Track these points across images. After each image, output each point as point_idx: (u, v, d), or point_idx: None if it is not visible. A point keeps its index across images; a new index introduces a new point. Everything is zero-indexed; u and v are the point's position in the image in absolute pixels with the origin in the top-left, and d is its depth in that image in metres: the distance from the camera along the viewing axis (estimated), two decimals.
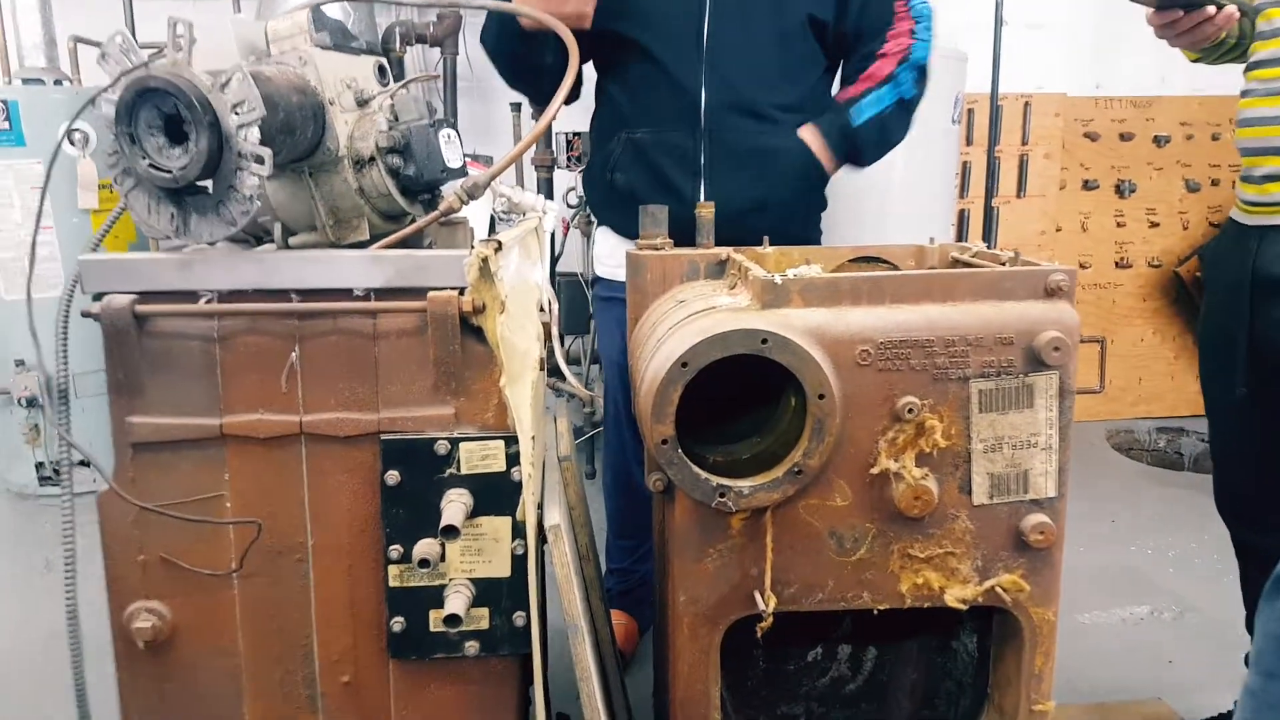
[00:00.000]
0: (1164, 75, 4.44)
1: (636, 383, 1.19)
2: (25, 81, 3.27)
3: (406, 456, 1.01)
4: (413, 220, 1.10)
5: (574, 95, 1.86)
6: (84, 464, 3.18)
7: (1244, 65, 1.66)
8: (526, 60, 1.71)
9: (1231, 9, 1.60)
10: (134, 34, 2.90)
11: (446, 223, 1.13)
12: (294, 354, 1.00)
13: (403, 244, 1.05)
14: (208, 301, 0.99)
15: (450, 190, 1.09)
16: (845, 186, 3.24)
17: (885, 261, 1.47)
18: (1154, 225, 4.50)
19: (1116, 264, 4.51)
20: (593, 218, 2.54)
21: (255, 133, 0.88)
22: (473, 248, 1.02)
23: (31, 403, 3.18)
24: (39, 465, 3.33)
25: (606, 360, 2.07)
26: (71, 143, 3.14)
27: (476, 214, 1.26)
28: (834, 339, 1.07)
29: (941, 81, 3.29)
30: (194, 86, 0.87)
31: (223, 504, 1.02)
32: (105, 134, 0.90)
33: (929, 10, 1.87)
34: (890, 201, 3.34)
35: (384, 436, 1.02)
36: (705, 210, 1.45)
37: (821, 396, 1.05)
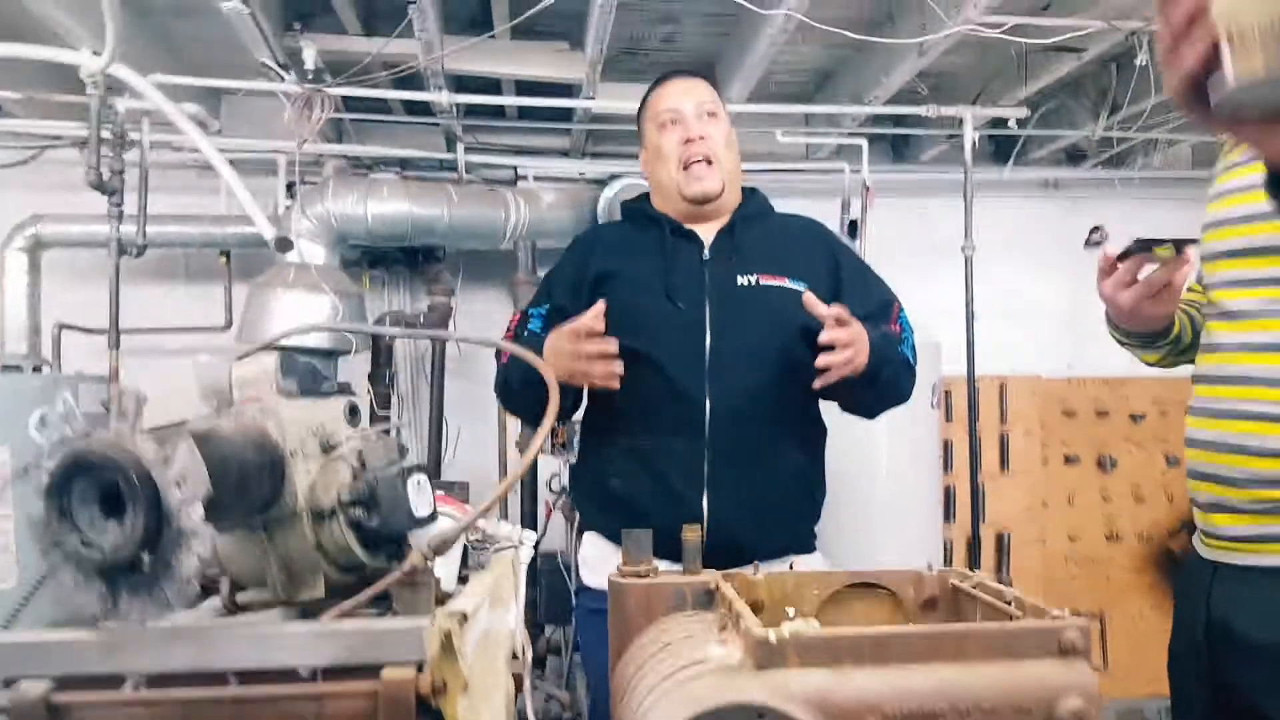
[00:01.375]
0: (1132, 358, 4.55)
1: None
2: (5, 368, 3.25)
3: None
4: (372, 573, 1.01)
5: (577, 400, 1.87)
6: None
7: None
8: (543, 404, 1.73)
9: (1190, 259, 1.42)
10: (117, 320, 2.88)
11: (408, 580, 1.04)
12: None
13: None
14: (135, 688, 0.87)
15: (418, 543, 1.00)
16: (835, 470, 3.22)
17: (883, 587, 1.37)
18: (1140, 500, 4.46)
19: (1107, 538, 4.44)
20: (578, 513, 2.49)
21: (199, 509, 0.80)
22: (434, 612, 0.92)
23: None
24: None
25: (594, 678, 1.92)
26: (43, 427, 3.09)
27: (446, 561, 1.16)
28: (840, 708, 0.95)
29: (920, 368, 3.34)
30: (135, 461, 0.79)
31: None
32: (36, 503, 0.82)
33: (909, 325, 1.94)
34: (878, 482, 3.31)
35: None
36: (691, 534, 1.37)
37: None
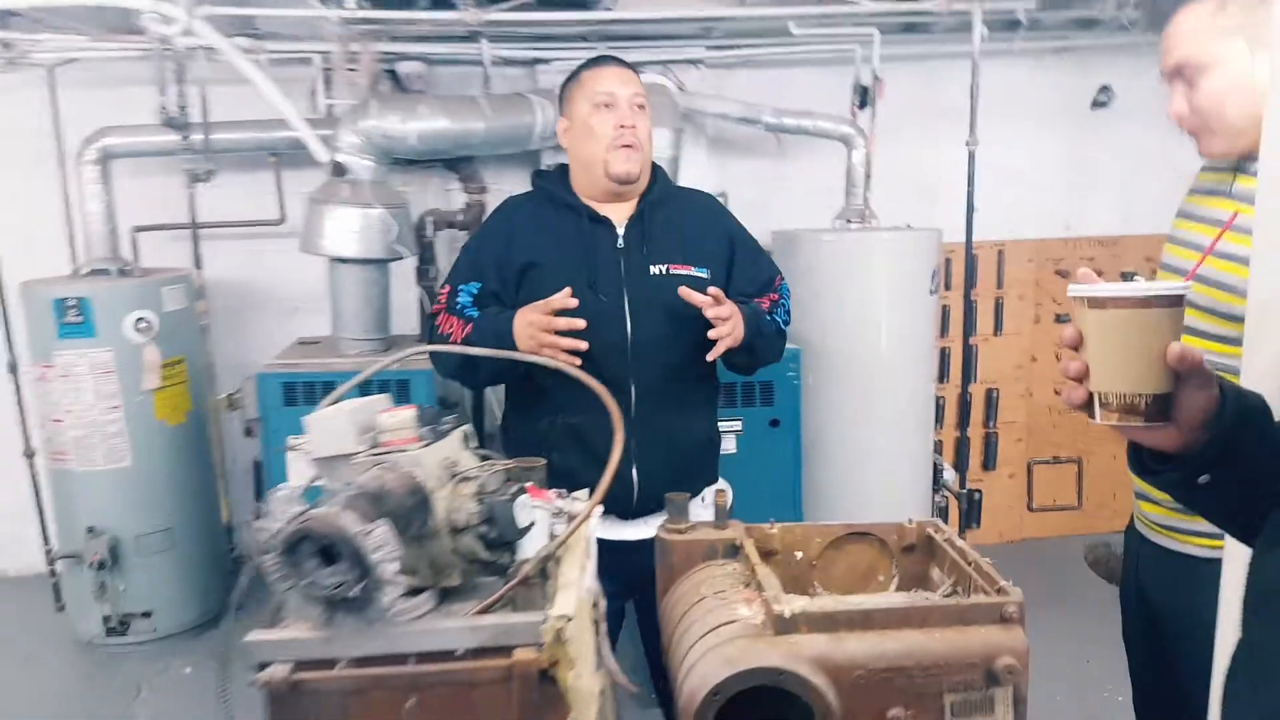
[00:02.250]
0: (1127, 216, 4.76)
1: (673, 674, 1.44)
2: (94, 272, 3.55)
3: None
4: (492, 567, 1.36)
5: (512, 375, 2.16)
6: (145, 615, 3.42)
7: None
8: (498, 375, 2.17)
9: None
10: (197, 242, 3.16)
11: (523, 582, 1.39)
12: (409, 702, 1.25)
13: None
14: (344, 668, 1.24)
15: (528, 554, 1.35)
16: (838, 342, 3.53)
17: (873, 535, 1.72)
18: None
19: None
20: None
21: (394, 566, 1.14)
22: (549, 608, 1.27)
23: (102, 565, 3.41)
24: (105, 618, 3.56)
25: None
26: (137, 331, 3.42)
27: (535, 535, 1.51)
28: (836, 665, 1.31)
29: (922, 257, 3.60)
30: (345, 535, 1.13)
31: None
32: (274, 567, 1.16)
33: (788, 292, 2.25)
34: (878, 357, 3.62)
35: None
36: (721, 498, 1.71)
37: (826, 716, 1.30)
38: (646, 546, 1.66)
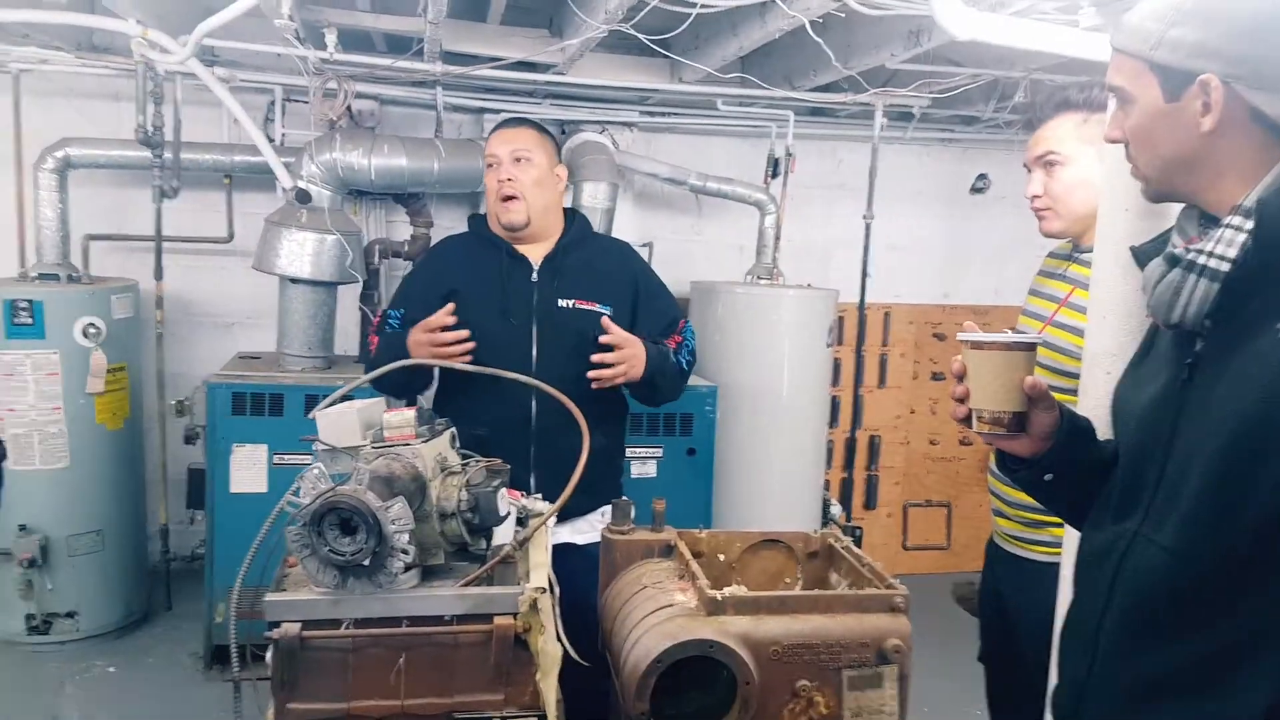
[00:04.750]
0: (998, 288, 5.22)
1: (617, 650, 1.63)
2: (42, 276, 3.57)
3: None
4: (472, 548, 1.55)
5: (426, 385, 2.38)
6: (70, 615, 3.41)
7: None
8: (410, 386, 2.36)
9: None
10: (160, 255, 3.23)
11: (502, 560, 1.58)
12: (401, 660, 1.42)
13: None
14: (346, 627, 1.40)
15: (506, 535, 1.54)
16: (746, 383, 3.79)
17: (782, 543, 1.96)
18: None
19: (960, 442, 5.18)
20: None
21: (405, 537, 1.32)
22: (523, 581, 1.46)
23: (31, 563, 3.39)
24: (29, 616, 3.53)
25: None
26: (85, 336, 3.45)
27: (505, 527, 1.70)
28: (756, 642, 1.54)
29: (821, 313, 3.92)
30: (368, 508, 1.30)
31: None
32: (297, 537, 1.32)
33: (693, 338, 2.45)
34: (780, 400, 3.91)
35: (455, 715, 1.43)
36: (659, 505, 1.93)
37: (747, 683, 1.52)
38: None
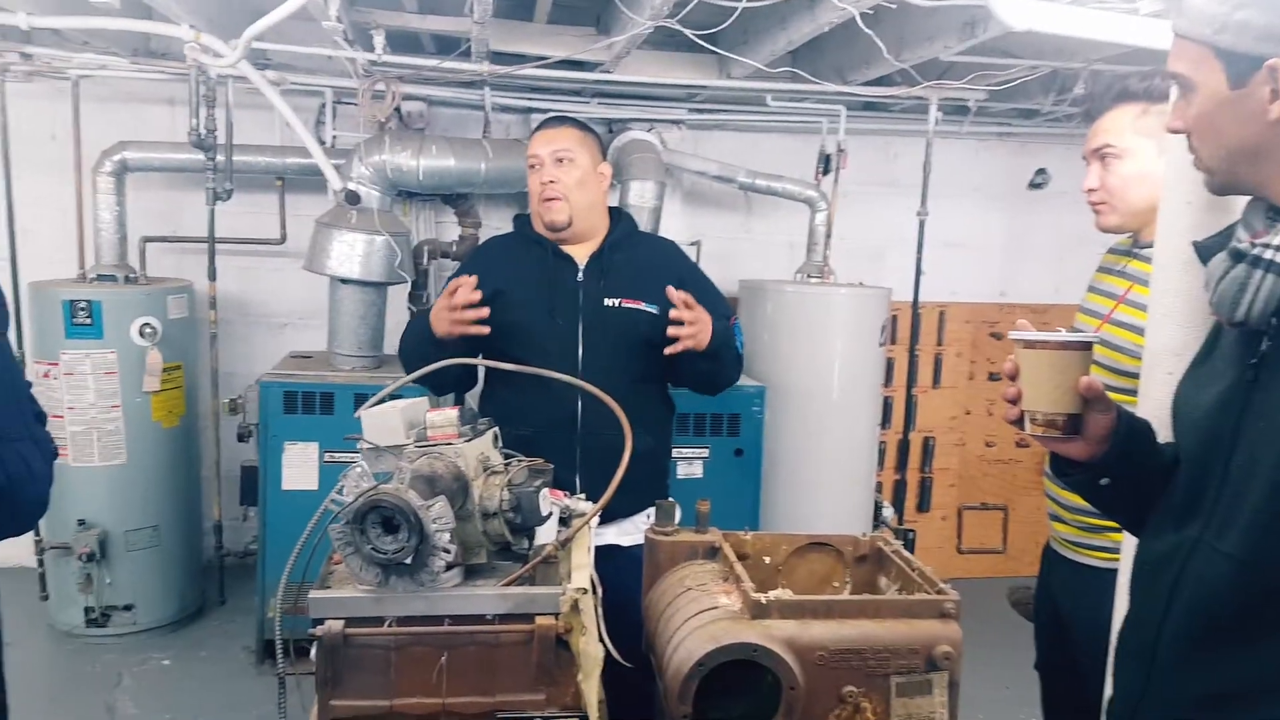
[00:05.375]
0: (1058, 286, 5.11)
1: (660, 652, 1.63)
2: (100, 277, 3.67)
3: None
4: (515, 548, 1.55)
5: (472, 383, 2.38)
6: (127, 608, 3.50)
7: None
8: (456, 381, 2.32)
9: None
10: (213, 258, 3.30)
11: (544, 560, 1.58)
12: (443, 658, 1.43)
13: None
14: (389, 625, 1.41)
15: (549, 535, 1.54)
16: (796, 383, 3.77)
17: (830, 546, 1.94)
18: None
19: (1017, 444, 5.08)
20: None
21: (447, 536, 1.32)
22: (565, 581, 1.46)
23: (90, 558, 3.49)
24: (88, 609, 3.63)
25: None
26: (142, 336, 3.55)
27: (549, 526, 1.70)
28: (802, 646, 1.52)
29: (873, 312, 3.87)
30: (410, 507, 1.31)
31: None
32: (340, 535, 1.33)
33: (740, 331, 2.41)
34: (830, 401, 3.87)
35: (499, 715, 1.44)
36: (703, 507, 1.91)
37: (792, 688, 1.50)
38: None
